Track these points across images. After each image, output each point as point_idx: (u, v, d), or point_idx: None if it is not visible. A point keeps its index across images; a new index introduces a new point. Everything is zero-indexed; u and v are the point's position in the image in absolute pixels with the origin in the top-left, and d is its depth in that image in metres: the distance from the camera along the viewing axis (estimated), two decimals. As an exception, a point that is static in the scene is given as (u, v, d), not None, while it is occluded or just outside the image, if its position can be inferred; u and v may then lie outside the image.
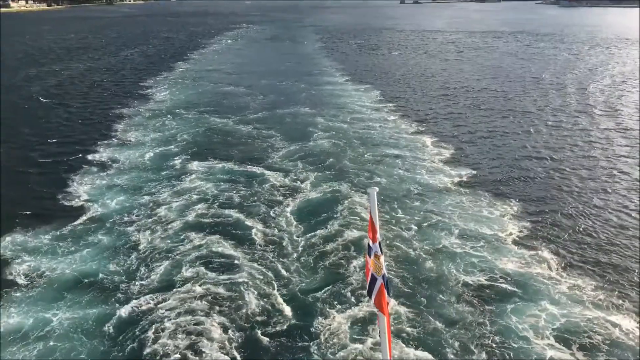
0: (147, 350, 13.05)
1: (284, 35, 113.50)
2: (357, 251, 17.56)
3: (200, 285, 15.74)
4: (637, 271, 16.47)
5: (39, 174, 26.25)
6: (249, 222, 19.86)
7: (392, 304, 14.32)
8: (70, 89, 50.79)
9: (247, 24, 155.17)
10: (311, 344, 13.25)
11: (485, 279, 15.87)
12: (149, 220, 20.22)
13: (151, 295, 15.31)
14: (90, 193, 23.04)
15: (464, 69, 61.12)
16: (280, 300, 15.10)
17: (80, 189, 23.59)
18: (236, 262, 17.10)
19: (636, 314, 14.15)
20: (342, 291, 15.40)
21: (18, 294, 15.27)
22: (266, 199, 22.11)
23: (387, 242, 18.00)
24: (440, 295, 15.20)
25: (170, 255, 17.52)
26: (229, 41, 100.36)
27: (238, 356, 12.92)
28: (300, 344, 13.32)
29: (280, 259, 17.26)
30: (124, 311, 14.54)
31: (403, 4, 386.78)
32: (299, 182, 23.98)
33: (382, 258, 6.89)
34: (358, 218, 20.00)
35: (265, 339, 13.52)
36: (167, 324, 13.93)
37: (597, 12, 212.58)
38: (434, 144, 29.98)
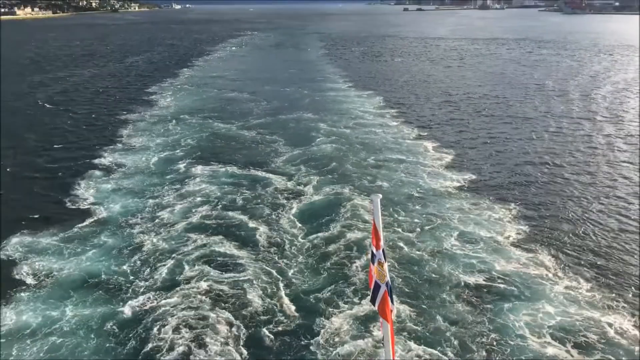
0: (151, 347, 13.37)
1: (287, 42, 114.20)
2: (359, 252, 17.88)
3: (204, 284, 16.06)
4: (632, 273, 16.72)
5: (46, 178, 26.66)
6: (252, 224, 20.21)
7: (395, 302, 14.56)
8: (76, 95, 51.37)
9: (251, 31, 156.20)
10: (314, 342, 13.51)
11: (484, 280, 16.14)
12: (154, 222, 20.57)
13: (155, 294, 15.64)
14: (96, 196, 23.42)
15: (467, 76, 61.47)
16: (283, 299, 15.40)
17: (86, 192, 23.96)
18: (240, 262, 17.43)
19: (631, 314, 14.42)
20: (345, 291, 15.70)
21: (27, 293, 15.66)
22: (270, 202, 22.44)
23: (390, 243, 18.29)
24: (441, 295, 15.49)
25: (174, 255, 17.86)
26: (233, 48, 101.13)
27: (242, 353, 13.19)
28: (303, 342, 13.59)
29: (284, 260, 17.58)
30: (128, 309, 14.90)
31: (406, 11, 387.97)
32: (302, 185, 24.31)
33: (385, 265, 6.87)
34: (360, 220, 20.31)
35: (269, 337, 13.80)
36: (171, 322, 14.27)
37: (600, 19, 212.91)
38: (436, 149, 30.28)
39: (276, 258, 17.72)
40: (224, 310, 14.82)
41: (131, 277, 16.63)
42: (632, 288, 15.82)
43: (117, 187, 24.55)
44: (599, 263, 17.34)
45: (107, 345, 13.50)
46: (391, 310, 6.97)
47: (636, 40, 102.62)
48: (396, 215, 20.88)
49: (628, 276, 16.53)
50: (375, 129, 35.30)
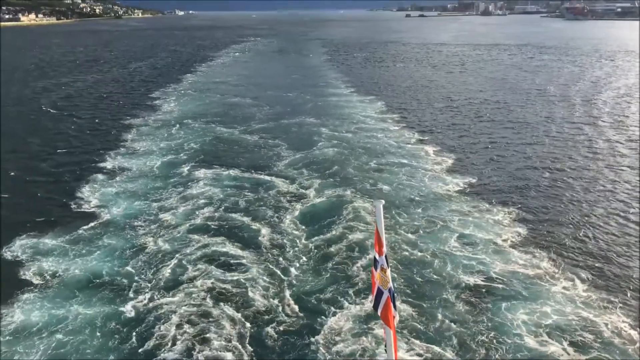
0: (155, 345, 13.64)
1: (290, 48, 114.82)
2: (360, 252, 18.19)
3: (206, 284, 16.35)
4: (629, 275, 16.96)
5: (51, 182, 26.99)
6: (255, 226, 20.50)
7: (397, 301, 14.78)
8: (79, 100, 51.85)
9: (254, 37, 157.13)
10: (316, 341, 13.73)
11: (483, 280, 16.39)
12: (157, 224, 20.87)
13: (159, 293, 15.94)
14: (100, 199, 23.72)
15: (468, 81, 61.79)
16: (285, 299, 15.65)
17: (91, 195, 24.27)
18: (243, 262, 17.73)
19: (626, 315, 14.67)
20: (347, 291, 15.95)
21: (33, 293, 15.98)
22: (272, 204, 22.73)
23: (392, 245, 18.54)
24: (442, 295, 15.75)
25: (177, 256, 18.16)
26: (237, 54, 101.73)
27: (245, 352, 13.42)
28: (305, 341, 13.82)
29: (286, 261, 17.86)
30: (132, 308, 15.19)
31: (409, 17, 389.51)
32: (304, 188, 24.59)
33: (388, 271, 6.85)
34: (362, 222, 20.60)
35: (272, 336, 14.04)
36: (175, 320, 14.56)
37: (602, 25, 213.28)
38: (437, 153, 30.54)
39: (279, 259, 17.98)
40: (227, 310, 15.07)
41: (135, 278, 16.90)
42: (628, 290, 16.07)
43: (121, 190, 24.85)
44: (596, 265, 17.56)
45: (111, 343, 13.77)
46: (394, 317, 6.93)
47: (637, 46, 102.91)
48: (398, 218, 21.12)
49: (624, 278, 16.75)
50: (376, 133, 35.58)
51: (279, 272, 17.13)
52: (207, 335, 13.98)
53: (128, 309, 15.15)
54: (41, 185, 26.56)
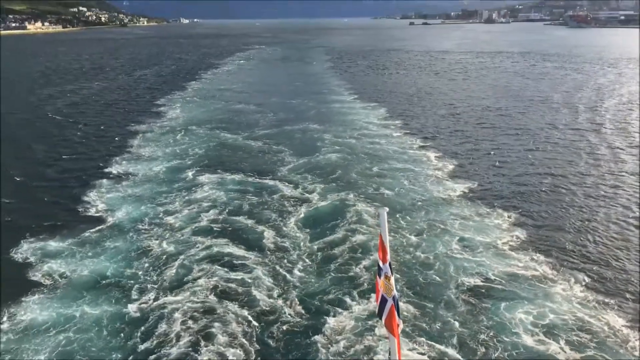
0: (160, 344, 13.95)
1: (294, 56, 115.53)
2: (363, 254, 18.57)
3: (211, 285, 16.70)
4: (625, 278, 17.24)
5: (58, 187, 27.38)
6: (259, 229, 20.86)
7: (400, 302, 15.07)
8: (85, 107, 52.45)
9: (258, 45, 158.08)
10: (319, 341, 13.98)
11: (483, 282, 16.69)
12: (162, 227, 21.24)
13: (163, 294, 16.28)
14: (106, 203, 24.11)
15: (471, 88, 62.14)
16: (289, 299, 15.96)
17: (97, 200, 24.65)
18: (247, 263, 18.08)
19: (621, 314, 14.97)
20: (350, 292, 16.25)
21: (42, 294, 16.37)
22: (276, 208, 23.09)
23: (395, 248, 18.82)
24: (442, 296, 16.05)
25: (182, 257, 18.52)
26: (241, 61, 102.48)
27: (248, 351, 13.70)
28: (308, 341, 14.08)
29: (290, 262, 18.19)
30: (138, 308, 15.53)
31: (412, 25, 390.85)
32: (307, 193, 24.93)
33: (392, 279, 6.84)
34: (364, 225, 20.96)
35: (275, 336, 14.32)
36: (179, 319, 14.88)
37: (606, 32, 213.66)
38: (438, 158, 30.85)
39: (283, 260, 18.32)
40: (230, 310, 15.38)
41: (140, 278, 17.25)
42: (624, 291, 16.34)
43: (127, 194, 25.24)
44: (594, 268, 17.82)
45: (117, 341, 14.10)
46: (398, 325, 6.88)
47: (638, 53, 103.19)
48: (400, 222, 21.40)
49: (622, 281, 17.01)
50: (379, 139, 35.92)
51: (282, 273, 17.46)
52: (212, 334, 14.29)
53: (133, 309, 15.49)
54: (48, 190, 26.97)
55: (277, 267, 17.83)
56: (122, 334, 14.39)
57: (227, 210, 22.83)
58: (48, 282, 17.03)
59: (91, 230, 21.02)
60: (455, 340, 13.84)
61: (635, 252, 18.93)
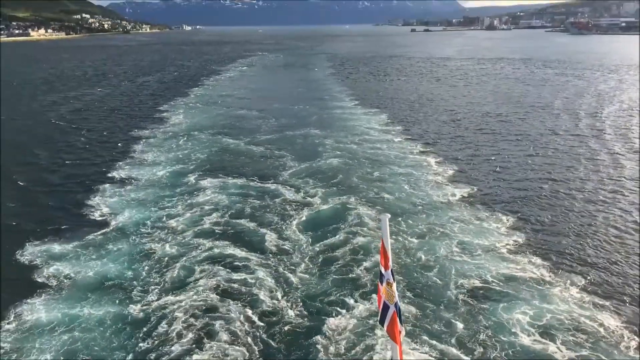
0: (162, 344, 14.18)
1: (296, 63, 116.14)
2: (364, 255, 18.86)
3: (213, 286, 16.94)
4: (620, 279, 17.49)
5: (63, 192, 27.66)
6: (261, 232, 21.13)
7: (401, 305, 15.29)
8: (88, 114, 52.88)
9: (261, 52, 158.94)
10: (320, 342, 14.18)
11: (481, 283, 16.93)
12: (165, 230, 21.52)
13: (166, 295, 16.53)
14: (110, 207, 24.41)
15: (472, 94, 62.46)
16: (290, 300, 16.19)
17: (101, 204, 24.95)
18: (249, 265, 18.34)
19: (616, 315, 15.20)
20: (351, 293, 16.48)
21: (48, 294, 16.66)
22: (278, 211, 23.37)
23: (396, 251, 19.06)
24: (442, 297, 16.30)
25: (184, 259, 18.79)
26: (244, 68, 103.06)
27: (249, 351, 13.91)
28: (309, 342, 14.27)
29: (291, 264, 18.45)
30: (140, 309, 15.78)
31: (413, 32, 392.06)
32: (309, 196, 25.20)
33: (394, 285, 6.75)
34: (365, 228, 21.23)
35: (276, 337, 14.53)
36: (181, 319, 15.12)
37: (607, 39, 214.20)
38: (438, 163, 31.10)
39: (285, 262, 18.57)
40: (232, 310, 15.60)
41: (143, 280, 17.51)
42: (620, 294, 16.56)
43: (130, 199, 25.52)
44: (590, 271, 18.03)
45: (120, 341, 14.35)
46: (400, 332, 6.80)
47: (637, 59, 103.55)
48: (401, 225, 21.64)
49: (617, 283, 17.23)
50: (380, 144, 36.21)
51: (284, 275, 17.70)
52: (214, 334, 14.51)
53: (136, 310, 15.73)
54: (52, 194, 27.29)
55: (279, 269, 18.08)
56: (125, 334, 14.64)
57: (229, 214, 23.10)
58: (53, 283, 17.31)
59: (95, 234, 21.31)
60: (454, 340, 14.07)
61: (632, 256, 19.13)
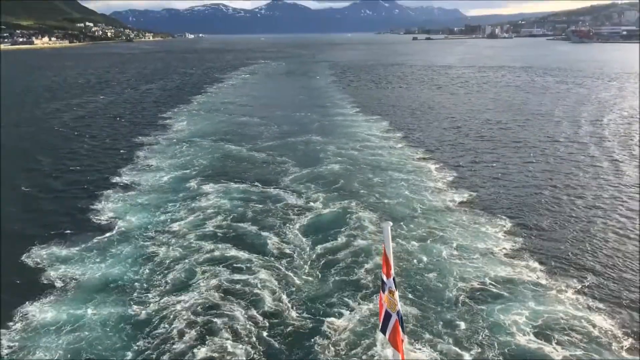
0: (163, 344, 14.44)
1: (298, 70, 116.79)
2: (365, 258, 19.16)
3: (215, 288, 17.22)
4: (616, 282, 17.75)
5: (67, 197, 27.95)
6: (263, 235, 21.42)
7: (402, 303, 15.55)
8: (92, 121, 53.33)
9: (263, 60, 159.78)
10: (321, 343, 14.40)
11: (480, 285, 17.19)
12: (168, 234, 21.83)
13: (168, 296, 16.82)
14: (114, 212, 24.72)
15: (472, 102, 62.81)
16: (292, 302, 16.45)
17: (105, 209, 25.25)
18: (251, 267, 18.63)
19: (611, 317, 15.46)
20: (353, 295, 16.75)
21: (53, 296, 16.98)
22: (280, 215, 23.67)
23: (397, 255, 19.31)
24: (441, 299, 16.56)
25: (186, 262, 19.07)
26: (246, 76, 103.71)
27: (252, 351, 14.15)
28: (310, 343, 14.50)
29: (293, 267, 18.72)
30: (143, 310, 16.05)
31: (415, 41, 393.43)
32: (310, 201, 25.49)
33: (396, 294, 6.67)
34: (365, 232, 21.53)
35: (278, 338, 14.77)
36: (183, 320, 15.40)
37: (607, 47, 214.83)
38: (438, 169, 31.39)
39: (286, 265, 18.85)
40: (234, 312, 15.85)
41: (146, 282, 17.78)
42: (615, 296, 16.83)
43: (133, 203, 25.83)
44: (587, 274, 18.28)
45: (123, 341, 14.61)
46: (402, 340, 6.74)
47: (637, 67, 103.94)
48: (402, 229, 21.91)
49: (613, 286, 17.50)
50: (381, 150, 36.54)
51: (286, 276, 17.97)
52: (216, 334, 14.76)
53: (139, 311, 15.99)
54: (57, 200, 27.60)
55: (281, 271, 18.35)
56: (128, 335, 14.89)
57: (231, 218, 23.40)
58: (59, 285, 17.61)
59: (99, 237, 21.62)
60: (453, 340, 14.31)
61: (628, 260, 19.37)
